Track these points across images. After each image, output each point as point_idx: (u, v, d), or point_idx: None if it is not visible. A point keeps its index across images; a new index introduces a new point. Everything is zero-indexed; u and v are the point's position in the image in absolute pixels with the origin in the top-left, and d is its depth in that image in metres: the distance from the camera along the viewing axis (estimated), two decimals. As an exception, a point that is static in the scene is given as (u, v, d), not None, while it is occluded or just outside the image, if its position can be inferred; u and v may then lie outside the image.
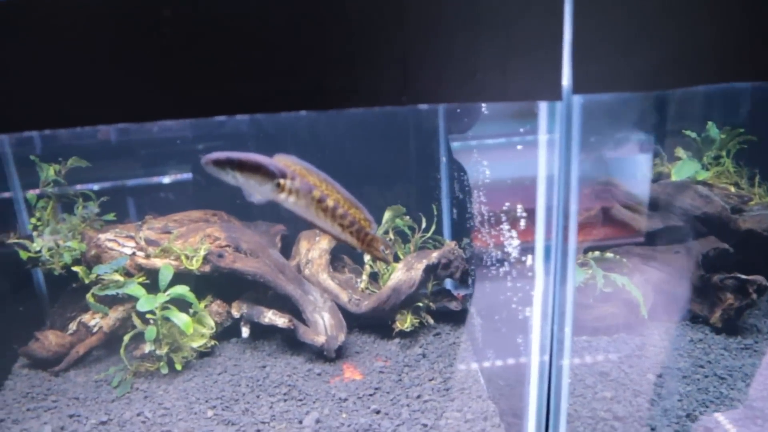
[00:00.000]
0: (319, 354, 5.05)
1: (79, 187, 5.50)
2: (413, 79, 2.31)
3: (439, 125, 5.76)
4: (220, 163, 2.59)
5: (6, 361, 5.04)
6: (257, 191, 2.76)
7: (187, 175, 5.83)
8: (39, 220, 5.21)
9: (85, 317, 5.11)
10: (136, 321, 4.95)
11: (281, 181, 2.71)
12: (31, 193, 5.24)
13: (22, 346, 4.99)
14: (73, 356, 5.01)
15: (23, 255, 5.03)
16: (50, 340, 4.99)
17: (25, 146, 5.37)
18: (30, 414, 4.47)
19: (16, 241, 5.04)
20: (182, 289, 4.99)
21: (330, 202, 2.87)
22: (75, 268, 5.00)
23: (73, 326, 5.10)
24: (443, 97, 2.53)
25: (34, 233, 5.09)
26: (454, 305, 5.39)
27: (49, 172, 5.19)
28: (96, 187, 5.61)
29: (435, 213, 5.66)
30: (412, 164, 5.89)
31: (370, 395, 4.56)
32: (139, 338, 4.95)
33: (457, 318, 5.44)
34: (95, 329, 5.08)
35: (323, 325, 5.09)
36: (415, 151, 5.87)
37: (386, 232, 5.58)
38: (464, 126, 5.32)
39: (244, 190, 2.86)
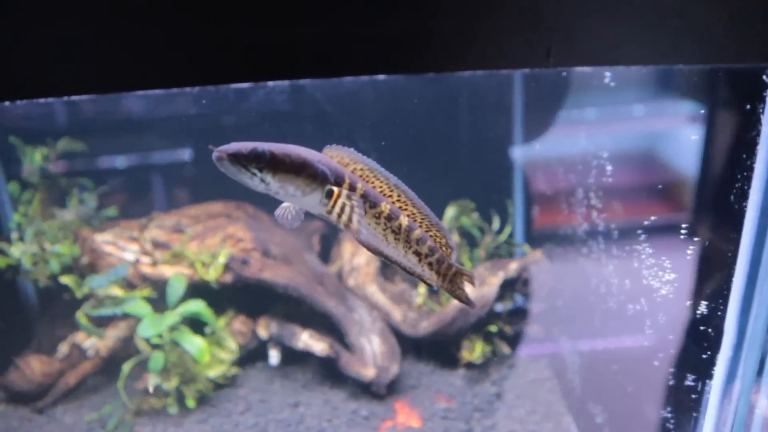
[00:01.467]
0: (365, 388, 4.01)
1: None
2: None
3: (514, 103, 4.59)
4: (242, 159, 1.59)
5: (-19, 392, 4.09)
6: (298, 202, 1.75)
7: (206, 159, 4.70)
8: (24, 216, 4.21)
9: (79, 337, 4.13)
10: (140, 344, 3.95)
11: (335, 188, 1.71)
12: (13, 183, 4.23)
13: (0, 375, 4.03)
14: (62, 388, 4.04)
15: (1, 262, 4.04)
16: (33, 368, 4.01)
17: (12, 127, 4.33)
18: (0, 470, 3.51)
19: (-7, 243, 4.06)
20: (197, 306, 3.97)
21: (404, 221, 1.86)
22: (64, 279, 4.00)
23: (63, 349, 4.13)
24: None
25: (14, 234, 4.09)
26: (535, 330, 4.27)
27: (35, 156, 4.18)
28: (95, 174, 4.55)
29: (510, 211, 4.52)
30: (480, 149, 4.72)
31: (435, 452, 3.51)
32: (143, 366, 3.96)
33: (540, 347, 4.32)
34: (91, 353, 4.09)
35: (371, 353, 4.03)
36: (484, 133, 4.69)
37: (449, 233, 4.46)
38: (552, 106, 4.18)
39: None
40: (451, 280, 2.00)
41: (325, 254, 4.68)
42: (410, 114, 4.13)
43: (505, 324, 4.21)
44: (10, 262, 4.06)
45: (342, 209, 1.73)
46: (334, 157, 1.83)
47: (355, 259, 4.49)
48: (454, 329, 4.09)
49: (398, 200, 1.94)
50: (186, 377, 3.98)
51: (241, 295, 4.30)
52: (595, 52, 1.59)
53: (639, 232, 2.86)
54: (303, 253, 4.35)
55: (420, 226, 1.93)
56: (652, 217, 2.95)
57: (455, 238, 4.46)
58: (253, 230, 4.33)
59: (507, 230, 4.48)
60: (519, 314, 4.33)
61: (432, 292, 4.39)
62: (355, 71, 1.79)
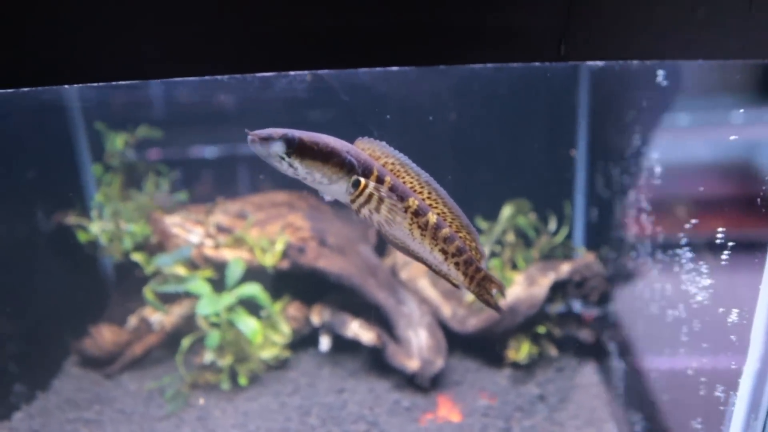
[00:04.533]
0: (410, 380, 4.07)
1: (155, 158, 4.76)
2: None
3: (580, 100, 4.50)
4: (272, 143, 1.69)
5: (59, 355, 4.46)
6: (325, 189, 1.83)
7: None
8: (105, 196, 4.55)
9: (147, 311, 4.42)
10: (201, 322, 4.19)
11: (362, 179, 1.78)
12: (97, 166, 4.58)
13: (76, 341, 4.38)
14: (129, 357, 4.34)
15: (81, 237, 4.39)
16: (105, 337, 4.34)
17: (96, 112, 4.68)
18: (68, 427, 3.82)
19: (76, 221, 4.40)
20: (253, 289, 4.17)
21: (432, 218, 1.90)
22: (135, 256, 4.30)
23: (133, 321, 4.43)
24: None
25: (94, 212, 4.42)
26: (584, 335, 4.20)
27: (116, 141, 4.50)
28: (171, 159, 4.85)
29: (568, 212, 4.46)
30: (542, 148, 4.66)
31: (471, 447, 3.53)
32: (201, 343, 4.19)
33: (588, 352, 4.24)
34: (157, 327, 4.37)
35: (417, 346, 4.09)
36: (547, 132, 4.63)
37: (504, 233, 4.46)
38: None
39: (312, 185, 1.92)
40: (479, 283, 2.01)
41: (381, 248, 4.77)
42: (469, 109, 4.15)
43: (554, 326, 4.17)
44: (90, 238, 4.40)
45: (368, 200, 1.80)
46: (365, 149, 1.89)
47: (409, 253, 4.56)
48: (501, 328, 4.08)
49: (428, 197, 1.96)
50: (240, 356, 4.18)
51: (296, 282, 4.47)
52: (611, 47, 1.59)
53: (720, 245, 2.76)
54: (358, 245, 4.47)
55: (449, 226, 1.96)
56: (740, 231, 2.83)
57: (510, 238, 4.45)
58: (312, 220, 4.49)
59: (563, 232, 4.42)
60: (569, 317, 4.27)
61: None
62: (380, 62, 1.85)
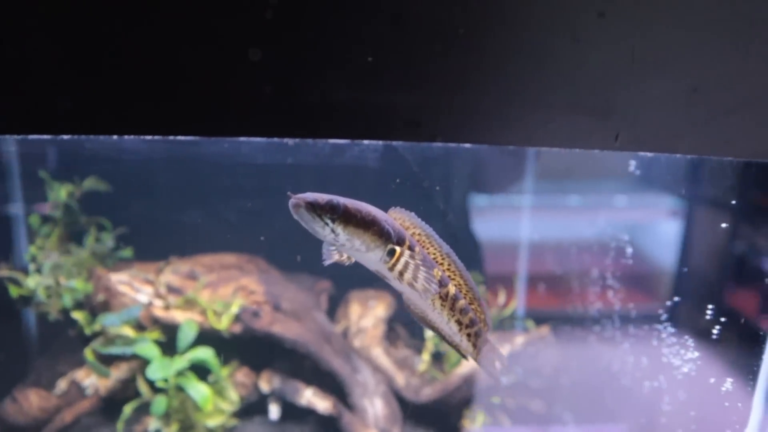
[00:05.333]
0: (364, 451, 4.00)
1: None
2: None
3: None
4: (318, 209, 1.69)
5: (-26, 422, 4.01)
6: (360, 256, 1.84)
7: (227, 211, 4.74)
8: (40, 249, 4.25)
9: (79, 375, 4.10)
10: (143, 388, 3.94)
11: (397, 249, 1.81)
12: (35, 215, 4.29)
13: (-4, 406, 3.97)
14: (57, 425, 3.97)
15: (13, 292, 4.05)
16: (31, 401, 3.97)
17: (37, 160, 4.41)
18: (-8, 504, 3.42)
19: (8, 273, 4.07)
20: (206, 353, 3.99)
21: (452, 289, 1.95)
22: (75, 315, 4.01)
23: (62, 385, 4.09)
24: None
25: (31, 265, 4.12)
26: (535, 405, 4.32)
27: (61, 192, 4.26)
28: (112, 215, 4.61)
29: (516, 285, 4.67)
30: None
31: None
32: (143, 410, 3.93)
33: (541, 422, 4.37)
34: (90, 391, 4.06)
35: (374, 415, 4.05)
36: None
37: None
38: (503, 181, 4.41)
39: (325, 250, 1.93)
40: (485, 354, 2.08)
41: (331, 314, 4.74)
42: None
43: (507, 397, 4.27)
44: (22, 293, 4.07)
45: (405, 267, 1.84)
46: (396, 219, 1.94)
47: (362, 321, 4.56)
48: (457, 398, 4.13)
49: (448, 269, 2.02)
50: (186, 424, 3.95)
51: (245, 347, 4.33)
52: (658, 140, 1.75)
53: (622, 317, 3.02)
54: (312, 311, 4.42)
55: (464, 298, 2.03)
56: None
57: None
58: (266, 284, 4.41)
59: (512, 305, 4.60)
60: (521, 388, 4.39)
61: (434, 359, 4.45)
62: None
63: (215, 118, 1.58)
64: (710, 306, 3.07)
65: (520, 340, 4.23)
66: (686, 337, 3.11)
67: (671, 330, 3.21)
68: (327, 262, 1.96)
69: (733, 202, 3.25)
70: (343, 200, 1.76)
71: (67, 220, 4.32)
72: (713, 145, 1.74)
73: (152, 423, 3.84)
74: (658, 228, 4.24)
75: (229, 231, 4.72)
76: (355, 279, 4.80)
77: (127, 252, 4.47)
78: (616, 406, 3.46)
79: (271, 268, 4.77)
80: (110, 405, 4.10)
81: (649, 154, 1.86)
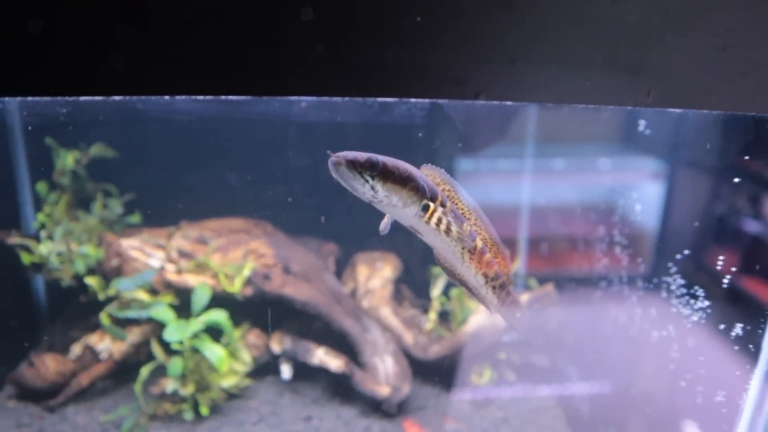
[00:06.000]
0: (375, 406, 4.12)
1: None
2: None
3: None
4: (358, 166, 1.74)
5: (-8, 387, 4.07)
6: (396, 212, 1.90)
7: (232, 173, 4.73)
8: (48, 216, 4.26)
9: (93, 339, 4.16)
10: (158, 351, 4.01)
11: (431, 204, 1.87)
12: (41, 184, 4.29)
13: (12, 371, 4.02)
14: (74, 388, 4.05)
15: (25, 258, 4.08)
16: (48, 366, 4.03)
17: (44, 127, 4.36)
18: (17, 465, 3.50)
19: (19, 241, 4.09)
20: (220, 316, 4.07)
21: (479, 243, 2.01)
22: (88, 280, 4.05)
23: (76, 350, 4.15)
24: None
25: (41, 233, 4.13)
26: (539, 359, 4.47)
27: (67, 160, 4.26)
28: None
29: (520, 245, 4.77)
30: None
31: (448, 470, 3.64)
32: (158, 372, 4.01)
33: (545, 377, 4.51)
34: (104, 355, 4.12)
35: (385, 373, 4.17)
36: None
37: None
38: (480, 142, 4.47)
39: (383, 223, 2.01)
40: (509, 306, 2.17)
41: (338, 276, 4.81)
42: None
43: (513, 351, 4.40)
44: (33, 260, 4.10)
45: (439, 222, 1.91)
46: (428, 175, 2.01)
47: (370, 282, 4.65)
48: (464, 355, 4.25)
49: (475, 224, 2.09)
50: (201, 385, 4.04)
51: (257, 310, 4.41)
52: (687, 97, 1.83)
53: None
54: (321, 272, 4.49)
55: (491, 251, 2.10)
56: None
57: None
58: (275, 247, 4.47)
59: (515, 264, 4.71)
60: (527, 344, 4.53)
61: (441, 317, 4.57)
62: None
63: (268, 78, 1.62)
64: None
65: (525, 297, 4.35)
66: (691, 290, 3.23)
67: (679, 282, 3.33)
68: (384, 232, 2.04)
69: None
70: (381, 158, 1.81)
71: (74, 187, 4.33)
72: (741, 101, 1.82)
73: (169, 384, 3.92)
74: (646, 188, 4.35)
75: (234, 195, 4.76)
76: (361, 242, 4.88)
77: (135, 218, 4.49)
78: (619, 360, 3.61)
79: (278, 231, 4.83)
80: (124, 368, 4.18)
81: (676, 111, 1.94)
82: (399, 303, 4.74)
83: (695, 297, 3.08)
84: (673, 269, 3.33)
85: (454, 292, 4.54)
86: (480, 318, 4.28)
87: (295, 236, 4.87)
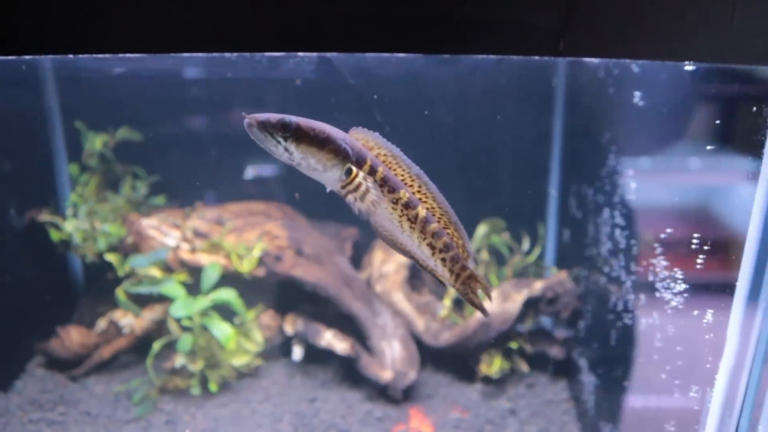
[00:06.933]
0: (382, 392, 4.09)
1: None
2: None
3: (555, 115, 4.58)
4: (269, 127, 1.71)
5: (22, 356, 4.34)
6: (318, 176, 1.83)
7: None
8: (80, 197, 4.49)
9: (117, 315, 4.35)
10: (172, 326, 4.14)
11: (353, 168, 1.79)
12: (73, 165, 4.53)
13: (41, 341, 4.27)
14: (96, 360, 4.26)
15: (54, 236, 4.32)
16: (72, 338, 4.25)
17: (75, 110, 4.60)
18: (31, 427, 3.72)
19: (49, 218, 4.34)
20: (228, 294, 4.15)
21: (421, 212, 1.90)
22: (108, 257, 4.25)
23: (102, 324, 4.35)
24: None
25: (68, 210, 4.37)
26: (555, 352, 4.28)
27: (95, 142, 4.47)
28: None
29: (541, 233, 4.58)
30: (518, 167, 4.76)
31: (442, 457, 3.55)
32: (172, 347, 4.14)
33: (559, 368, 4.33)
34: (126, 330, 4.31)
35: (391, 357, 4.12)
36: (526, 149, 4.70)
37: (478, 251, 4.55)
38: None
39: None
40: (464, 282, 2.04)
41: (357, 261, 4.80)
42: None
43: (525, 342, 4.24)
44: (63, 237, 4.33)
45: (357, 189, 1.84)
46: (359, 139, 1.90)
47: (385, 267, 4.61)
48: (474, 342, 4.14)
49: (418, 191, 1.98)
50: (211, 362, 4.14)
51: (271, 291, 4.47)
52: (607, 45, 1.68)
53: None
54: (334, 256, 4.50)
55: (438, 222, 2.00)
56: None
57: (485, 256, 4.54)
58: (289, 230, 4.51)
59: (536, 251, 4.53)
60: (541, 334, 4.35)
61: (455, 305, 4.46)
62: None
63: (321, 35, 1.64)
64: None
65: (538, 285, 4.18)
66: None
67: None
68: (329, 189, 1.99)
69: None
70: (296, 119, 1.77)
71: (102, 168, 4.54)
72: None
73: (178, 359, 4.04)
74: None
75: (259, 180, 4.85)
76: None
77: (159, 200, 4.66)
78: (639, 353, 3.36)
79: (298, 215, 4.87)
80: (145, 343, 4.34)
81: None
82: (417, 290, 4.67)
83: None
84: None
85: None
86: (489, 305, 4.14)
87: (317, 221, 4.89)
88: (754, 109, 2.16)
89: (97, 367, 4.28)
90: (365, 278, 4.63)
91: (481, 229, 4.52)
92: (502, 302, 4.13)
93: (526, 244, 4.56)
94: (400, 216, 1.89)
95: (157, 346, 4.06)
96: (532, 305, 4.20)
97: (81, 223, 4.31)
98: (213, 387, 4.08)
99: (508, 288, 4.23)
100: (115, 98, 4.44)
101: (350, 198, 1.82)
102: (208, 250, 4.32)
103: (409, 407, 4.04)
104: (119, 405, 3.95)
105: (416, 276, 4.76)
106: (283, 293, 4.49)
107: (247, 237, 4.42)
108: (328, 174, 1.82)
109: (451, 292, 4.47)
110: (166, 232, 4.35)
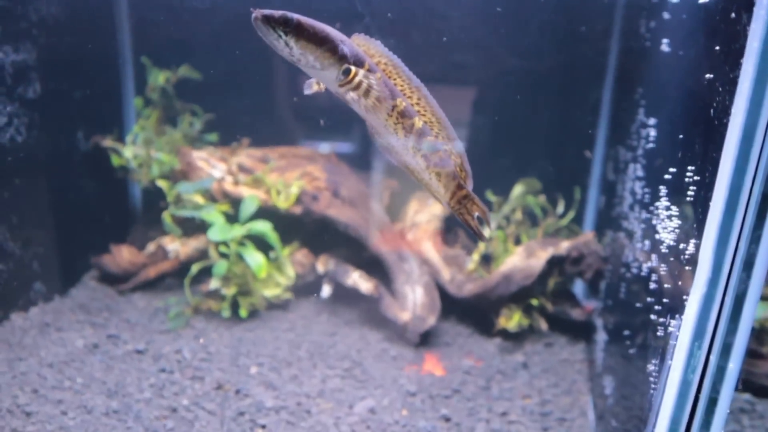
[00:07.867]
0: (401, 335, 4.20)
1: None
2: None
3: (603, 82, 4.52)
4: (272, 21, 1.79)
5: (80, 267, 4.75)
6: (317, 74, 1.93)
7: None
8: (142, 129, 4.83)
9: (165, 240, 4.67)
10: (213, 253, 4.41)
11: (352, 68, 1.86)
12: (138, 99, 4.87)
13: (96, 256, 4.66)
14: (142, 278, 4.60)
15: (115, 161, 4.68)
16: (123, 256, 4.61)
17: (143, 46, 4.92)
18: (76, 325, 4.08)
19: (111, 144, 4.69)
20: (264, 226, 4.36)
21: (417, 122, 1.97)
22: (159, 183, 4.56)
23: (151, 247, 4.69)
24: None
25: (128, 139, 4.71)
26: (576, 313, 4.27)
27: (159, 77, 4.78)
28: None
29: (577, 197, 4.55)
30: (563, 130, 4.73)
31: (446, 397, 3.64)
32: (210, 273, 4.40)
33: (578, 330, 4.31)
34: (172, 255, 4.62)
35: (413, 301, 4.23)
36: (572, 114, 4.68)
37: (513, 210, 4.57)
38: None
39: (306, 84, 2.05)
40: (459, 201, 2.09)
41: (394, 211, 4.91)
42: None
43: (546, 301, 4.25)
44: (122, 163, 4.69)
45: (359, 87, 1.86)
46: (361, 45, 1.93)
47: (417, 216, 4.71)
48: (495, 295, 4.18)
49: (417, 103, 2.02)
50: (244, 289, 4.38)
51: (308, 229, 4.66)
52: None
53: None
54: (370, 201, 4.64)
55: (436, 136, 2.05)
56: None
57: (518, 215, 4.55)
58: (329, 172, 4.68)
59: (570, 215, 4.51)
60: (563, 294, 4.34)
61: (483, 260, 4.50)
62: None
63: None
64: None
65: (565, 244, 4.16)
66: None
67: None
68: (307, 92, 2.09)
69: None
70: (297, 15, 1.87)
71: (164, 103, 4.85)
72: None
73: (213, 282, 4.30)
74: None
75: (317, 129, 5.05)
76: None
77: (213, 137, 4.94)
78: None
79: (342, 163, 5.03)
80: (188, 270, 4.63)
81: None
82: (450, 244, 4.74)
83: None
84: None
85: (497, 234, 4.46)
86: (514, 259, 4.18)
87: (362, 171, 5.04)
88: None
89: (143, 285, 4.63)
90: (399, 229, 4.75)
91: (518, 189, 4.54)
92: (527, 258, 4.15)
93: (561, 208, 4.54)
94: (396, 124, 1.94)
95: (195, 268, 4.34)
96: (557, 264, 4.19)
97: (138, 149, 4.65)
98: (243, 312, 4.33)
99: (534, 245, 4.24)
100: (182, 38, 4.73)
101: (352, 95, 1.89)
102: (250, 184, 4.56)
103: (425, 352, 4.14)
104: (156, 318, 4.26)
105: (450, 231, 4.83)
106: (319, 234, 4.67)
107: (289, 176, 4.63)
108: (325, 73, 1.88)
109: (481, 248, 4.52)
110: (213, 165, 4.61)
